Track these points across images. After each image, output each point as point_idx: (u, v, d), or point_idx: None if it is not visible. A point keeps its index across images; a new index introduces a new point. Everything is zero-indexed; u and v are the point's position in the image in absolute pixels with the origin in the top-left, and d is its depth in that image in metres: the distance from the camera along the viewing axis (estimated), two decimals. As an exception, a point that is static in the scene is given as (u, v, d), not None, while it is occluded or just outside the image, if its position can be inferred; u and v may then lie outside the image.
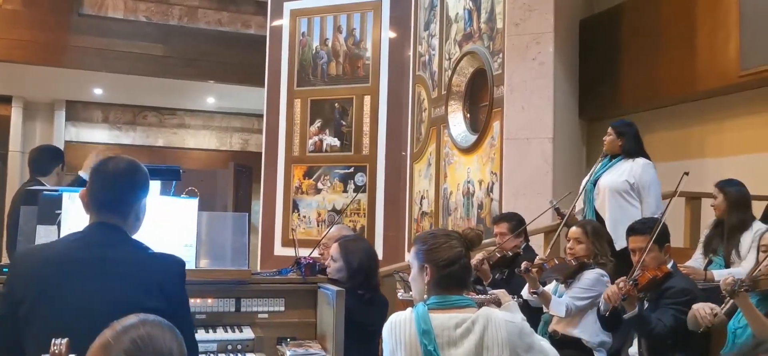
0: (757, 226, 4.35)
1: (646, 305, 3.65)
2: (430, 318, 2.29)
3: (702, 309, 3.31)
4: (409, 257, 2.49)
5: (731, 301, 3.23)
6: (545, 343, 2.42)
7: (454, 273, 2.36)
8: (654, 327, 3.45)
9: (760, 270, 3.22)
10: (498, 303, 2.64)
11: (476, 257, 4.41)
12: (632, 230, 3.84)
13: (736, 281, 3.07)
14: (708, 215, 5.11)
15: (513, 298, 2.72)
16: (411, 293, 2.58)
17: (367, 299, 3.52)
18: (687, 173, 3.90)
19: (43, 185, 4.48)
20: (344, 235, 4.07)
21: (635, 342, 3.73)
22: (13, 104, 11.77)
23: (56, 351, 1.91)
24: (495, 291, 2.77)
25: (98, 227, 2.20)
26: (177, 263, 2.24)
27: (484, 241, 4.78)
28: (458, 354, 2.26)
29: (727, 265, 4.38)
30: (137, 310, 1.81)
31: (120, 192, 2.22)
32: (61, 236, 2.95)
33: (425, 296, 2.39)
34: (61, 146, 11.81)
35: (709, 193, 4.78)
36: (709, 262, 4.51)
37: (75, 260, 2.13)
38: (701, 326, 3.31)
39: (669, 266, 3.68)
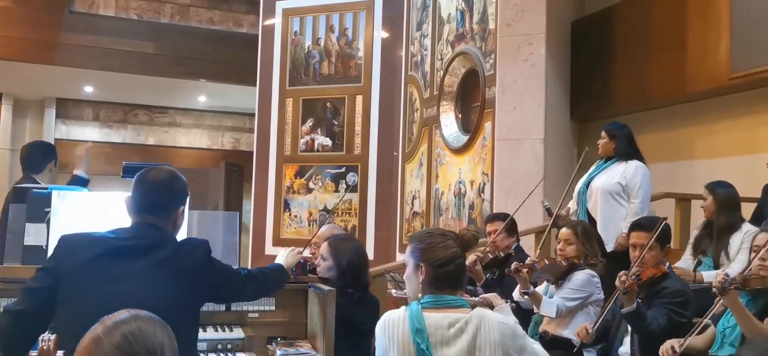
0: (747, 228, 4.37)
1: (638, 302, 3.66)
2: (423, 316, 2.29)
3: (664, 346, 3.32)
4: (405, 255, 2.49)
5: (721, 301, 3.24)
6: (537, 346, 2.43)
7: (448, 273, 2.36)
8: (649, 325, 3.46)
9: (750, 269, 3.23)
10: (490, 306, 2.64)
11: (469, 259, 4.40)
12: (637, 226, 3.84)
13: (726, 279, 3.07)
14: (697, 217, 5.13)
15: (505, 302, 2.71)
16: (404, 291, 2.58)
17: (357, 298, 3.51)
18: (665, 219, 3.90)
19: (36, 182, 4.42)
20: (334, 234, 4.06)
21: (626, 340, 3.74)
22: (3, 102, 11.71)
23: (45, 347, 1.91)
24: (487, 295, 2.77)
25: (142, 225, 2.43)
26: (201, 244, 2.50)
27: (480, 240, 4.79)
28: (451, 354, 2.26)
29: (717, 266, 4.40)
30: (172, 297, 2.24)
31: (159, 200, 2.45)
32: (51, 234, 2.96)
33: (420, 295, 2.39)
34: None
35: (698, 194, 4.80)
36: (699, 263, 4.53)
37: (120, 247, 2.35)
38: None
39: (666, 267, 3.70)
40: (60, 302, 2.28)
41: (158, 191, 2.45)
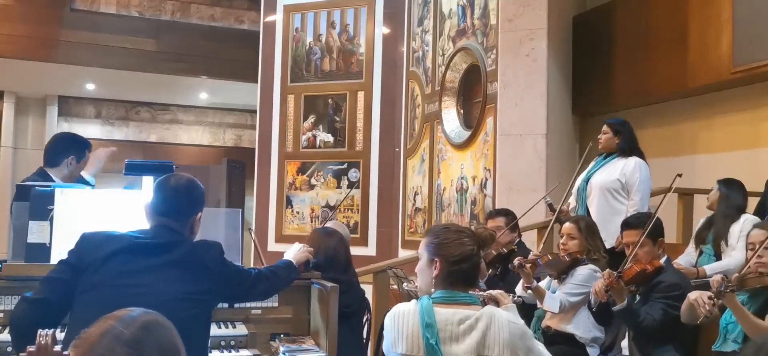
0: (745, 218, 4.38)
1: (637, 299, 3.66)
2: (434, 311, 2.29)
3: (700, 297, 3.09)
4: (420, 247, 2.49)
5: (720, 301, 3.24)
6: (543, 348, 2.44)
7: (463, 271, 2.36)
8: (642, 320, 3.47)
9: (749, 266, 3.22)
10: (496, 302, 2.64)
11: None
12: (626, 225, 3.85)
13: (722, 281, 3.05)
14: (700, 211, 5.13)
15: (511, 296, 2.70)
16: (414, 286, 2.58)
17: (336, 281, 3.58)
18: (680, 175, 3.90)
19: (48, 177, 4.24)
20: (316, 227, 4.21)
21: (627, 334, 3.74)
22: (5, 100, 11.72)
23: (43, 342, 1.92)
24: (494, 292, 2.77)
25: (160, 227, 2.52)
26: (214, 245, 2.58)
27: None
28: (460, 350, 2.26)
29: (717, 254, 4.41)
30: (186, 293, 2.35)
31: (178, 205, 2.55)
32: (54, 232, 2.97)
33: (432, 289, 2.39)
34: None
35: (700, 189, 4.79)
36: (700, 253, 4.54)
37: (138, 244, 2.45)
38: (699, 316, 3.08)
39: (662, 261, 3.69)
40: (78, 294, 2.36)
41: (177, 196, 2.55)
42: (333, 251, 3.78)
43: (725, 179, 4.54)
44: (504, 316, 2.33)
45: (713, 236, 4.47)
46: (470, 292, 2.40)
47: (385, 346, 2.39)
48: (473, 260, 2.39)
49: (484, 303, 2.45)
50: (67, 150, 4.23)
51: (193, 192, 2.59)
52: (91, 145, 4.41)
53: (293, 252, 3.17)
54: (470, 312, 2.30)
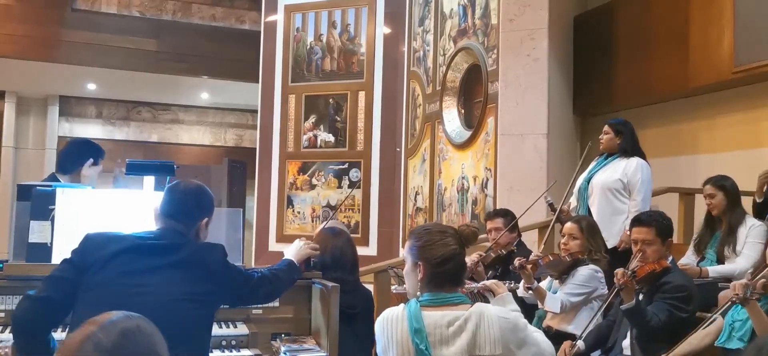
0: (751, 222, 4.36)
1: (640, 297, 3.66)
2: (422, 315, 2.26)
3: None
4: (404, 251, 2.47)
5: (728, 303, 3.23)
6: (539, 335, 2.41)
7: (447, 271, 2.32)
8: (650, 321, 3.47)
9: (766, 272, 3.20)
10: (492, 292, 2.63)
11: (471, 259, 4.39)
12: (638, 221, 3.84)
13: (747, 287, 3.05)
14: (701, 211, 5.11)
15: (506, 283, 2.68)
16: (405, 286, 2.57)
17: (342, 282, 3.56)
18: (642, 254, 3.91)
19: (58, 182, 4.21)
20: (324, 227, 4.14)
21: (629, 334, 3.74)
22: (6, 99, 11.72)
23: (2, 353, 1.91)
24: (488, 282, 2.75)
25: (166, 229, 2.55)
26: (217, 248, 2.60)
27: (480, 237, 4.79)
28: (450, 353, 2.23)
29: (721, 260, 4.38)
30: (189, 294, 2.37)
31: (185, 207, 2.58)
32: (55, 232, 2.97)
33: (418, 293, 2.37)
34: (55, 142, 11.78)
35: (702, 190, 4.78)
36: (702, 259, 4.52)
37: (142, 245, 2.47)
38: None
39: (668, 261, 3.69)
40: (81, 293, 2.36)
41: (186, 199, 2.59)
42: (340, 251, 3.70)
43: (724, 184, 4.48)
44: (493, 312, 2.29)
45: (719, 242, 4.44)
46: (458, 291, 2.37)
47: (378, 351, 2.38)
48: (457, 260, 2.35)
49: (475, 297, 2.42)
50: (81, 158, 4.23)
51: (201, 197, 2.63)
52: (104, 152, 4.39)
53: (294, 250, 3.13)
54: (459, 313, 2.26)
